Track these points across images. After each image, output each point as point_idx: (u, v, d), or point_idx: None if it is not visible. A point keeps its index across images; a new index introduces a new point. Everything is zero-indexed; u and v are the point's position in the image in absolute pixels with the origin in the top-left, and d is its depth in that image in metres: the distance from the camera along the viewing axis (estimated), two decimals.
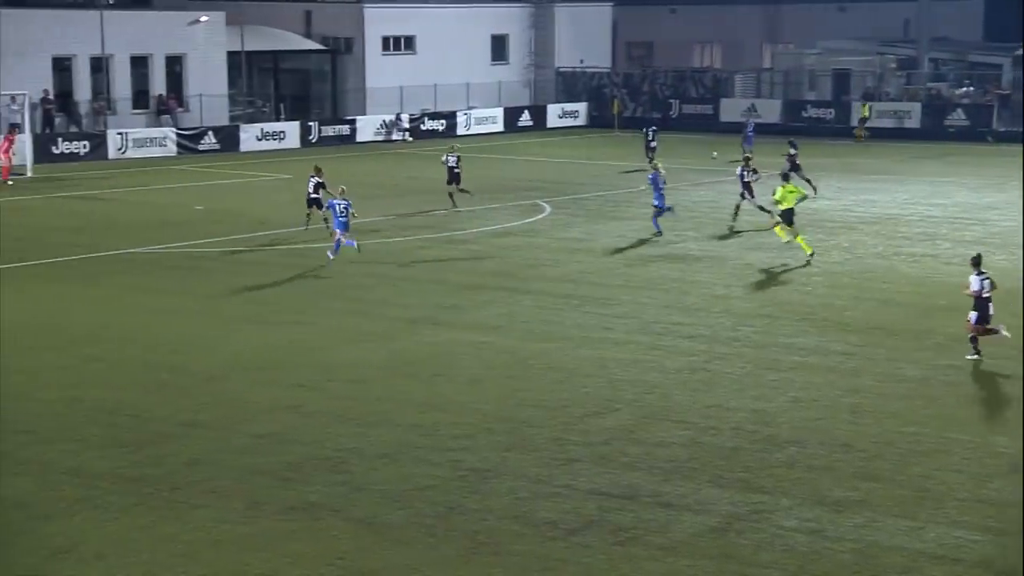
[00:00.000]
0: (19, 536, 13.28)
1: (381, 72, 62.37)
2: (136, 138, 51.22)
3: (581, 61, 69.80)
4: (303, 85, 64.07)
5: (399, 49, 64.30)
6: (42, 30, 51.45)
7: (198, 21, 56.12)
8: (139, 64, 55.14)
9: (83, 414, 17.42)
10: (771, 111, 62.20)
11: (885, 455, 15.96)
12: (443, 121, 61.31)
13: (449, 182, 37.43)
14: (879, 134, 57.98)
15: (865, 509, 14.13)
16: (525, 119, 64.87)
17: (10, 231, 32.66)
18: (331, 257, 28.31)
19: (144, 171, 46.25)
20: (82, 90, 53.38)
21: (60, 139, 49.51)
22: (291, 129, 56.37)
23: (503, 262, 29.28)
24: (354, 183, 41.61)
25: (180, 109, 55.79)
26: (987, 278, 20.13)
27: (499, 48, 68.47)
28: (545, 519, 13.80)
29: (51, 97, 51.67)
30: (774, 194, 29.54)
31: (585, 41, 70.41)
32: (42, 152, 46.72)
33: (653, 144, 47.41)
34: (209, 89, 55.94)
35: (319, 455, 15.80)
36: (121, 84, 54.34)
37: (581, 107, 67.78)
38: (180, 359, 20.43)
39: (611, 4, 72.62)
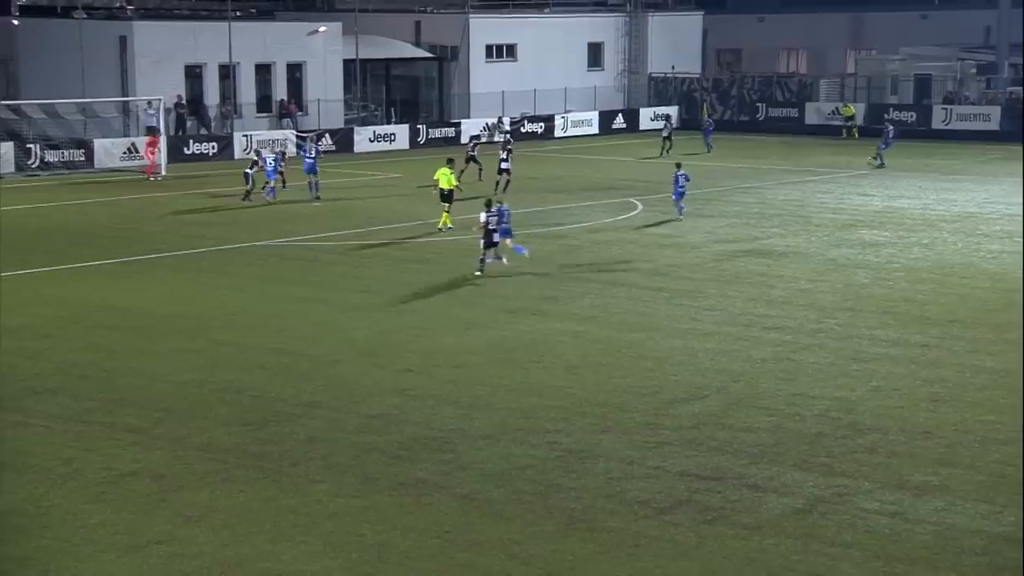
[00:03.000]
0: (157, 505, 13.61)
1: (484, 78, 62.54)
2: (260, 140, 51.97)
3: (672, 67, 69.21)
4: (412, 90, 64.54)
5: (501, 56, 64.40)
6: (176, 41, 52.56)
7: (317, 31, 56.85)
8: (262, 71, 56.01)
9: (213, 394, 17.79)
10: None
11: (964, 442, 15.61)
12: (541, 124, 61.28)
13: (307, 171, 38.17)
14: (959, 136, 56.68)
15: (945, 493, 13.84)
16: (619, 122, 64.54)
17: (148, 225, 33.41)
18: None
19: None
20: (211, 95, 54.38)
21: (191, 141, 50.50)
22: (401, 131, 56.82)
23: (598, 256, 29.21)
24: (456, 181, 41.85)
25: (300, 113, 56.55)
26: None
27: (595, 55, 68.17)
28: (637, 498, 13.75)
29: (183, 102, 52.74)
30: None
31: (677, 48, 69.79)
32: (175, 153, 47.76)
33: (667, 136, 46.83)
34: (326, 94, 56.66)
35: (426, 435, 15.94)
36: (246, 90, 55.25)
37: (672, 111, 67.20)
38: (301, 344, 20.74)
39: (702, 13, 71.86)
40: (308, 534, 12.75)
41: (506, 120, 59.53)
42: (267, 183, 37.27)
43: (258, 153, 39.25)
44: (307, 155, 39.12)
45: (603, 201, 38.82)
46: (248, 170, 37.74)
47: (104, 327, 21.86)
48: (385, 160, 47.11)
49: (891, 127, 50.15)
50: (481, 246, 26.49)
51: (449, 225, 31.98)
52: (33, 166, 45.15)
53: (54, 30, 54.02)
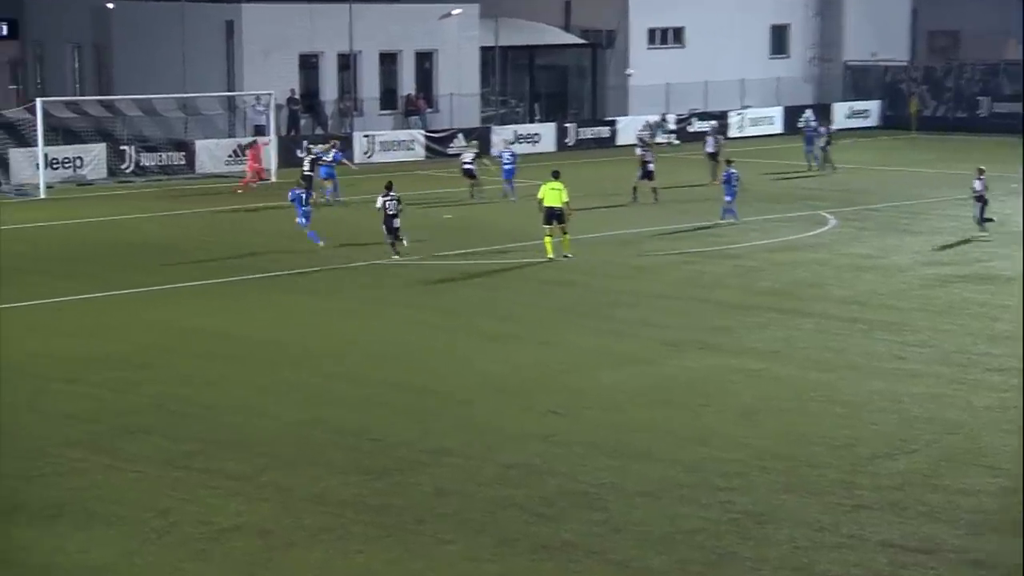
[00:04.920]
0: (263, 565, 13.92)
1: (646, 67, 62.54)
2: (383, 141, 52.92)
3: (873, 54, 68.13)
4: (560, 83, 64.88)
5: (666, 42, 64.37)
6: (290, 27, 53.48)
7: (450, 15, 57.55)
8: (387, 61, 56.87)
9: (325, 436, 18.13)
10: None
11: None
12: (713, 122, 60.82)
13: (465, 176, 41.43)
14: None
15: None
16: (808, 119, 63.75)
17: (251, 240, 34.30)
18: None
19: (390, 176, 47.68)
20: (328, 89, 55.36)
21: (305, 142, 51.60)
22: (547, 131, 57.15)
23: (780, 280, 28.90)
24: (609, 190, 42.11)
25: (429, 110, 57.29)
26: None
27: (779, 39, 67.61)
28: (828, 572, 13.53)
29: (296, 97, 53.68)
30: None
31: (879, 31, 68.71)
32: (286, 156, 48.50)
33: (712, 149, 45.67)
34: (460, 88, 57.24)
35: (574, 489, 15.97)
36: (369, 83, 56.11)
37: (873, 106, 66.13)
38: (425, 379, 21.01)
39: None
40: None
41: (671, 118, 59.47)
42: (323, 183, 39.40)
43: (309, 151, 41.22)
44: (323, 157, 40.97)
45: (787, 214, 38.42)
46: (308, 171, 39.50)
47: (204, 356, 22.53)
48: (527, 164, 47.45)
49: None
50: (384, 231, 30.48)
51: (567, 254, 30.73)
52: (127, 171, 46.78)
53: (152, 14, 55.77)
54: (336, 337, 24.03)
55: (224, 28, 53.31)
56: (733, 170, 36.64)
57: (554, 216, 30.72)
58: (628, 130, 58.73)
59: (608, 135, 58.44)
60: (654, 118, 59.32)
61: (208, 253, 32.52)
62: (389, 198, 30.60)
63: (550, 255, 30.69)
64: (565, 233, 30.95)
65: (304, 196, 32.90)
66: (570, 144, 57.28)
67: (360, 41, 53.97)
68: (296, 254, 32.15)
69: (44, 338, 23.76)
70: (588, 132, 58.32)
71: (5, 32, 63.64)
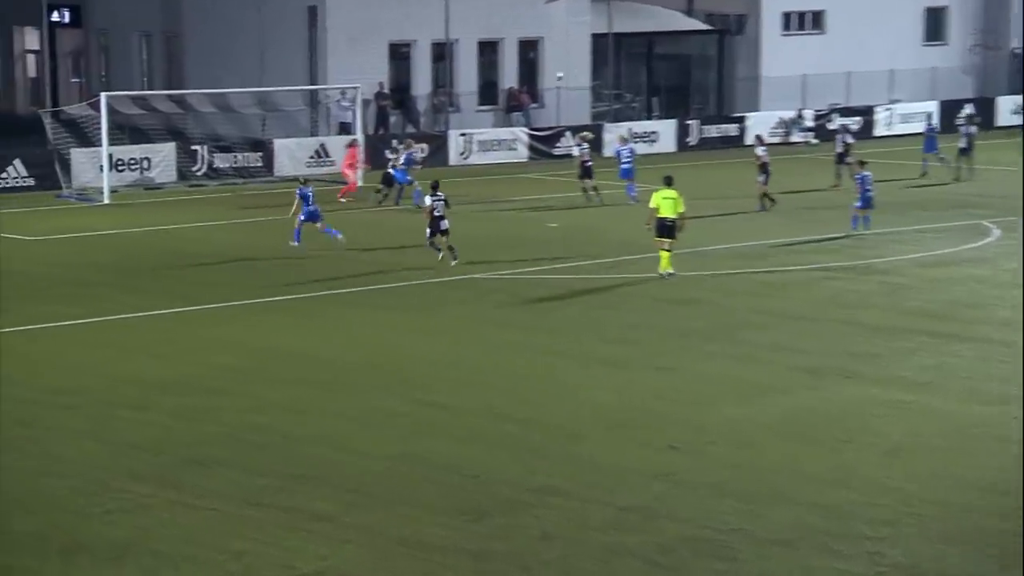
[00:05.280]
0: None
1: (780, 57, 62.25)
2: (481, 140, 53.09)
3: None
4: (682, 74, 64.76)
5: (803, 28, 63.99)
6: (378, 12, 53.76)
7: None
8: (487, 51, 57.04)
9: (419, 472, 18.26)
10: None
11: None
12: (857, 118, 60.42)
13: (581, 176, 41.97)
14: None
15: None
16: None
17: (337, 250, 34.63)
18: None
19: (489, 180, 48.04)
20: (421, 83, 55.68)
21: (395, 141, 52.01)
22: (666, 129, 57.07)
23: (934, 299, 28.61)
24: (735, 195, 41.92)
25: (533, 105, 57.41)
26: None
27: (935, 24, 66.89)
28: None
29: (386, 91, 54.06)
30: None
31: None
32: (374, 157, 48.75)
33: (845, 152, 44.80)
34: (568, 80, 57.25)
35: (697, 536, 15.92)
36: (466, 75, 56.27)
37: None
38: (528, 410, 21.08)
39: None
40: None
41: (808, 114, 59.04)
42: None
43: (396, 151, 43.13)
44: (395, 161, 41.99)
45: (942, 224, 38.00)
46: (392, 170, 41.77)
47: (282, 381, 22.82)
48: (643, 167, 47.41)
49: None
50: (427, 233, 31.95)
51: (670, 271, 30.52)
52: (199, 173, 47.38)
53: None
54: (429, 360, 24.19)
55: (306, 14, 53.81)
56: (866, 172, 36.29)
57: (666, 228, 30.57)
58: (759, 128, 58.31)
59: (736, 133, 58.10)
60: (789, 114, 58.96)
61: (287, 265, 32.93)
62: (437, 198, 31.93)
63: (667, 270, 30.57)
64: (669, 250, 30.71)
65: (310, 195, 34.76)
66: (692, 143, 57.11)
67: (457, 28, 54.13)
68: (384, 267, 32.42)
69: (109, 359, 24.23)
70: (713, 130, 58.10)
71: (67, 19, 64.80)
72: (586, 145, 43.03)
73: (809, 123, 58.93)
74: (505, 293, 29.79)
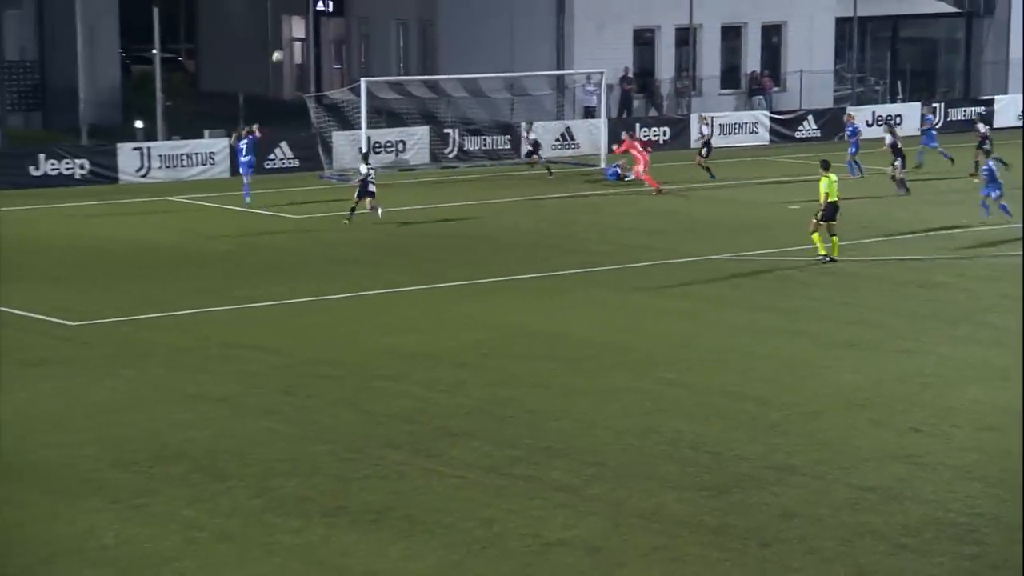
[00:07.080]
0: None
1: None
2: (723, 124, 52.59)
3: None
4: (928, 58, 63.12)
5: None
6: None
7: None
8: (730, 35, 56.63)
9: (659, 448, 18.26)
10: None
11: None
12: (981, 109, 57.71)
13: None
14: None
15: None
16: None
17: (581, 231, 34.77)
18: None
19: (730, 162, 47.54)
20: (664, 68, 55.57)
21: (638, 125, 51.91)
22: (910, 112, 55.52)
23: None
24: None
25: (775, 89, 56.77)
26: None
27: None
28: None
29: (630, 76, 54.15)
30: None
31: None
32: (616, 139, 48.70)
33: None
34: (811, 64, 56.39)
35: (942, 519, 15.60)
36: (709, 60, 56.01)
37: None
38: (769, 389, 20.88)
39: None
40: None
41: None
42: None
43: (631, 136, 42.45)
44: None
45: None
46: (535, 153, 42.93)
47: (528, 357, 23.03)
48: (881, 149, 46.30)
49: None
50: (355, 195, 34.37)
51: (823, 254, 29.68)
52: (450, 156, 48.20)
53: None
54: (669, 339, 24.14)
55: (555, 2, 54.10)
56: (993, 161, 34.26)
57: (835, 212, 29.76)
58: (1008, 111, 56.52)
59: (984, 116, 56.15)
60: None
61: (533, 245, 33.17)
62: (371, 167, 35.50)
63: (826, 254, 29.72)
64: (834, 235, 29.85)
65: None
66: (938, 126, 55.32)
67: (701, 13, 53.82)
68: (625, 247, 32.43)
69: (368, 332, 24.79)
70: (959, 113, 56.39)
71: (331, 8, 66.32)
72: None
73: None
74: (742, 275, 29.48)
